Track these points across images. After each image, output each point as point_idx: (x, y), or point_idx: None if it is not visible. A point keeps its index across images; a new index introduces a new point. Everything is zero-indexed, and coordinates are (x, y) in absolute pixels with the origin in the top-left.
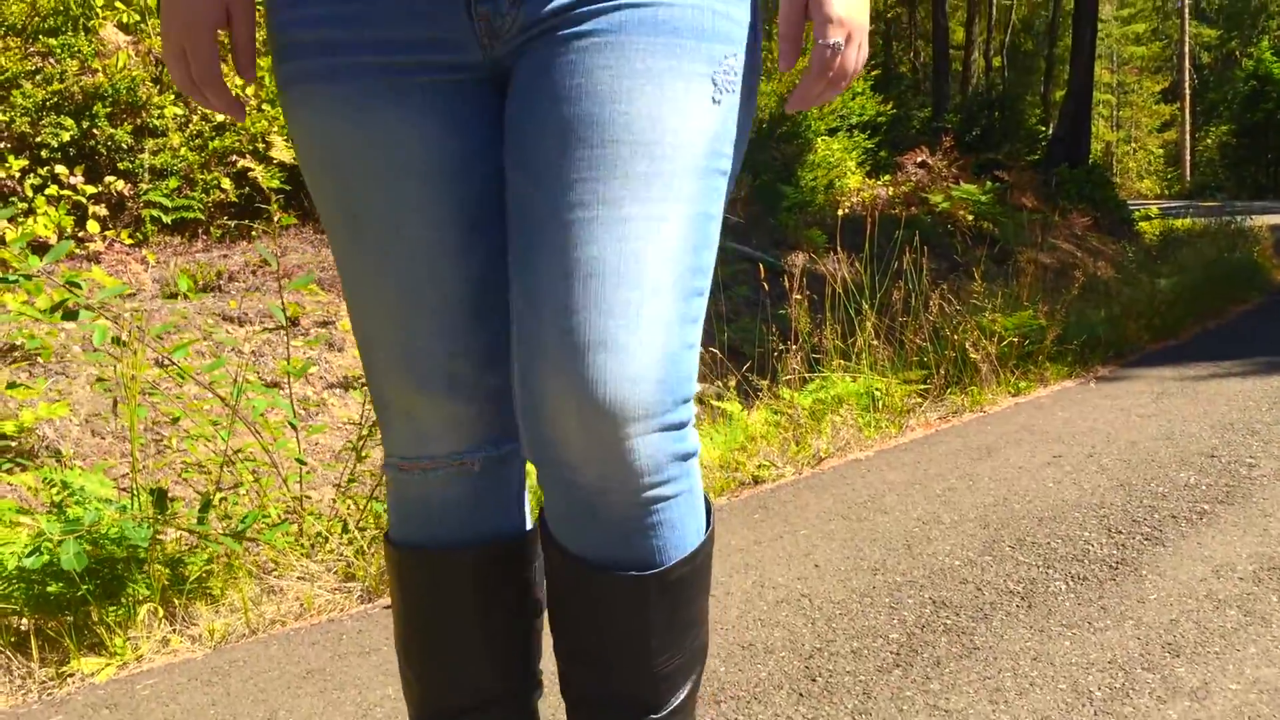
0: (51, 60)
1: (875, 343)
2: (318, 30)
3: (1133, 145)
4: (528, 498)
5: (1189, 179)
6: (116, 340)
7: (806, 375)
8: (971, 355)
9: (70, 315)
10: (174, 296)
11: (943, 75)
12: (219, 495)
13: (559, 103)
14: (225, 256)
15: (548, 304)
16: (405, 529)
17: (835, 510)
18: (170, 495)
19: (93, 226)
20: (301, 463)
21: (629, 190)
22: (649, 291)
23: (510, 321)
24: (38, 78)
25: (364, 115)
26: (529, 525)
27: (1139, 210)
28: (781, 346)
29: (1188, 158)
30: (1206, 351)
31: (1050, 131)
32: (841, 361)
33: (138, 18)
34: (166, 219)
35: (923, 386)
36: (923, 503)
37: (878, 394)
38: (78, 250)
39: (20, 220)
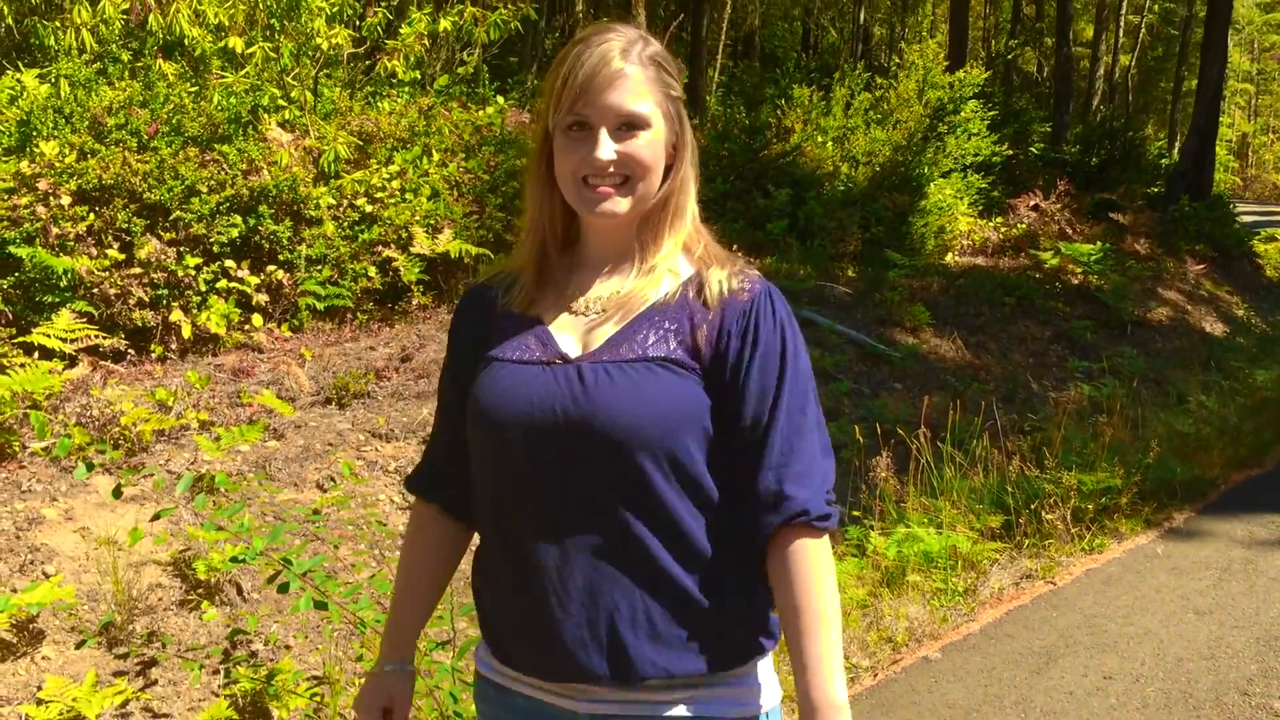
0: (224, 166)
1: (958, 502)
2: None
3: (1270, 135)
4: None
5: None
6: (319, 604)
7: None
8: (1048, 517)
9: (284, 589)
10: (329, 402)
11: (1064, 101)
12: None
13: None
14: (371, 349)
15: None
16: None
17: None
18: None
19: (257, 320)
20: (454, 698)
21: None
22: None
23: None
24: (211, 182)
25: None
26: None
27: (1263, 231)
28: (872, 463)
29: None
30: None
31: (1175, 158)
32: (924, 501)
33: (299, 113)
34: (320, 306)
35: (1000, 545)
36: None
37: (958, 546)
38: (244, 339)
39: (194, 312)
